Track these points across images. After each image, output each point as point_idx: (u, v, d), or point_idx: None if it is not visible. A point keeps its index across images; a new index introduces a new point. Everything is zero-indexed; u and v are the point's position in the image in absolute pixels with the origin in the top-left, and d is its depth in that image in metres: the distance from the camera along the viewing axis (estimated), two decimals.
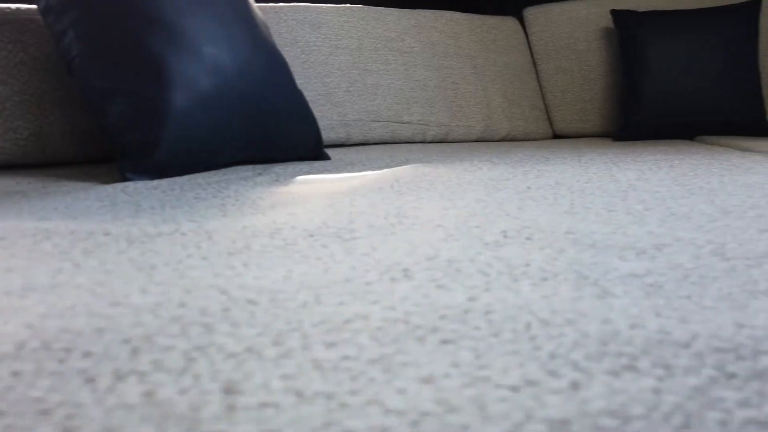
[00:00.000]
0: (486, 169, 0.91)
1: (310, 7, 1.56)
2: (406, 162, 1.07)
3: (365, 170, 0.95)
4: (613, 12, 1.74)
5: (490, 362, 0.30)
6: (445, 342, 0.32)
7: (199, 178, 0.89)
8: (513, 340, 0.32)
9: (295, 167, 0.99)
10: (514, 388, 0.28)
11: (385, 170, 0.92)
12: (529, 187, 0.71)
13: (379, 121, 1.54)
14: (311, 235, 0.54)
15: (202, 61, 0.94)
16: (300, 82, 1.43)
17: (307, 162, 1.07)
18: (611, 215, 0.57)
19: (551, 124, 1.87)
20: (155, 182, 0.85)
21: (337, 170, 0.96)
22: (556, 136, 1.88)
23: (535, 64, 1.87)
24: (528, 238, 0.51)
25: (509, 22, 1.87)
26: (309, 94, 1.43)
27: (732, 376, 0.29)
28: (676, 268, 0.44)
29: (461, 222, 0.57)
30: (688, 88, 1.59)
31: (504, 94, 1.76)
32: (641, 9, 1.75)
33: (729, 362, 0.30)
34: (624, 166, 0.92)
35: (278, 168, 0.97)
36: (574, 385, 0.28)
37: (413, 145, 1.49)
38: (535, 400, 0.27)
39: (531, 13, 1.88)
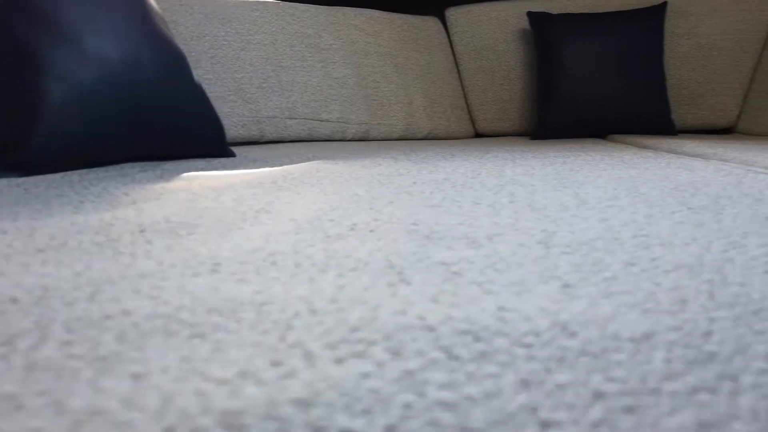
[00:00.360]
0: (385, 166, 0.89)
1: (218, 0, 1.49)
2: (313, 159, 1.04)
3: (266, 167, 0.91)
4: (529, 14, 1.76)
5: (221, 356, 0.28)
6: (192, 336, 0.30)
7: (75, 175, 0.84)
8: (265, 331, 0.31)
9: (190, 164, 0.95)
10: (223, 381, 0.26)
11: (280, 167, 0.89)
12: (414, 182, 0.70)
13: (294, 119, 1.51)
14: (142, 231, 0.52)
15: (82, 53, 0.89)
16: (207, 77, 1.36)
17: (208, 159, 1.03)
18: (472, 208, 0.56)
19: (473, 123, 1.88)
20: (23, 179, 0.79)
21: (237, 167, 0.92)
22: (479, 135, 1.90)
23: (457, 63, 1.87)
24: (371, 231, 0.49)
25: (431, 22, 1.86)
26: (218, 90, 1.37)
27: (455, 358, 0.28)
28: (491, 256, 0.43)
29: (318, 216, 0.55)
30: (601, 89, 1.61)
31: (425, 93, 1.76)
32: (556, 11, 1.78)
33: (462, 345, 0.28)
34: (520, 163, 0.92)
35: (169, 165, 0.93)
36: (288, 374, 0.26)
37: (331, 143, 1.45)
38: (230, 393, 0.25)
39: (453, 13, 1.89)
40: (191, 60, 1.37)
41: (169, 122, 1.07)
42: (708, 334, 0.30)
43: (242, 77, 1.43)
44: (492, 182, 0.71)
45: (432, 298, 0.35)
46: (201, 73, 1.35)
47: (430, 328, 0.31)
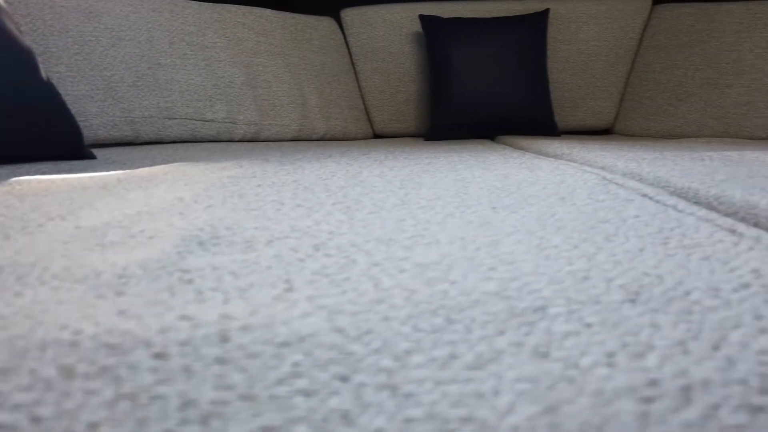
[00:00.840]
0: (245, 168, 0.81)
1: None
2: (180, 160, 0.94)
3: (122, 169, 0.83)
4: (421, 17, 1.63)
5: None
6: None
7: None
8: None
9: (34, 167, 0.84)
10: None
11: (130, 170, 0.81)
12: (259, 185, 0.64)
13: (174, 119, 1.30)
14: None
15: None
16: (71, 75, 1.17)
17: (62, 161, 0.92)
18: (289, 210, 0.51)
19: (371, 124, 1.74)
20: None
21: (88, 169, 0.83)
22: (377, 136, 1.75)
23: (353, 64, 1.73)
24: (150, 238, 0.43)
25: (326, 22, 1.70)
26: (84, 88, 1.20)
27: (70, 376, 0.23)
28: (248, 261, 0.37)
29: (110, 222, 0.48)
30: (490, 91, 1.54)
31: (321, 93, 1.60)
32: (447, 15, 1.67)
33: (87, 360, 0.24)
34: (388, 164, 0.87)
35: (5, 169, 0.81)
36: None
37: (216, 144, 1.31)
38: None
39: (348, 14, 1.73)
40: (51, 57, 1.17)
41: (13, 123, 0.86)
42: (368, 333, 0.26)
43: (112, 75, 1.24)
44: (339, 184, 0.65)
45: (120, 311, 0.29)
46: (63, 71, 1.18)
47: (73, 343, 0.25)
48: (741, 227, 0.43)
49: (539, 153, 1.15)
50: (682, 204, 0.52)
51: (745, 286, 0.31)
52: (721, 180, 0.62)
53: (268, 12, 1.59)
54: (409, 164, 0.87)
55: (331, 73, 1.68)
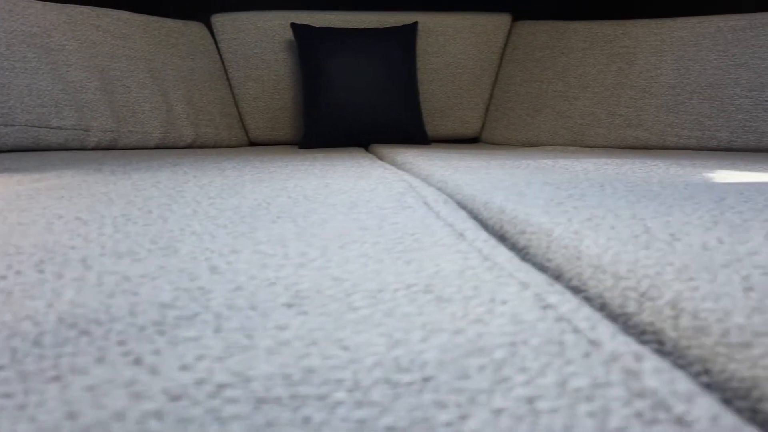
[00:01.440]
0: (65, 179, 0.75)
1: None
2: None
3: None
4: (293, 26, 1.61)
5: None
6: None
7: None
8: None
9: None
10: None
11: None
12: (61, 197, 0.61)
13: (13, 126, 1.21)
14: None
15: None
16: None
17: None
18: (48, 225, 0.48)
19: (246, 131, 1.70)
20: None
21: None
22: (253, 144, 1.72)
23: (226, 71, 1.69)
24: None
25: (195, 27, 1.65)
26: None
27: None
28: None
29: None
30: (362, 101, 1.56)
31: (189, 100, 1.54)
32: (318, 25, 1.67)
33: None
34: (228, 173, 0.84)
35: None
36: None
37: (63, 153, 1.23)
38: None
39: (219, 20, 1.68)
40: None
41: None
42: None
43: None
44: (149, 194, 0.62)
45: None
46: None
47: None
48: (470, 233, 0.47)
49: (392, 162, 1.19)
50: (446, 211, 0.56)
51: (408, 286, 0.34)
52: (504, 187, 0.67)
53: (126, 15, 1.53)
54: (246, 173, 0.87)
55: (201, 79, 1.64)
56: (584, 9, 1.80)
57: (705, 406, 0.20)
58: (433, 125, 1.79)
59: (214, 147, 1.64)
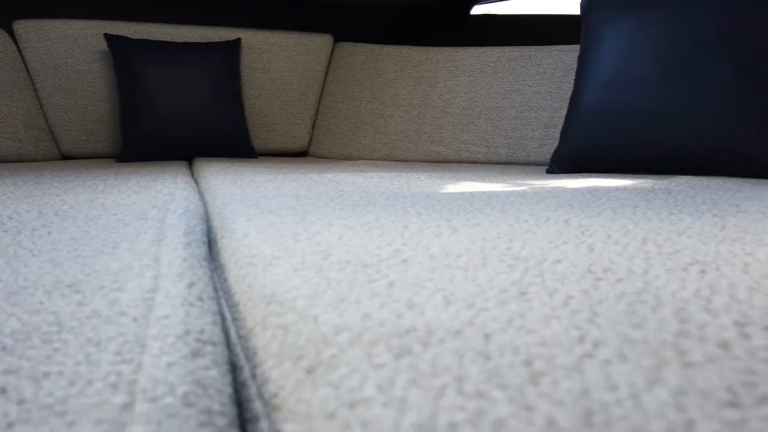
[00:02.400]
0: None
1: None
2: None
3: None
4: (107, 36, 1.56)
5: None
6: None
7: None
8: None
9: None
10: None
11: None
12: None
13: None
14: None
15: None
16: None
17: None
18: None
19: (57, 145, 1.62)
20: None
21: None
22: (65, 158, 1.63)
23: (32, 81, 1.60)
24: None
25: None
26: None
27: None
28: None
29: None
30: (183, 114, 1.55)
31: None
32: (136, 36, 1.63)
33: None
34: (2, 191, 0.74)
35: None
36: None
37: None
38: None
39: (22, 26, 1.58)
40: None
41: None
42: None
43: None
44: None
45: None
46: None
47: None
48: (171, 240, 0.53)
49: (198, 174, 1.22)
50: (174, 220, 0.61)
51: None
52: (254, 199, 0.74)
53: None
54: (22, 190, 0.85)
55: (2, 89, 1.54)
56: (396, 34, 1.99)
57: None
58: (261, 139, 1.85)
59: (17, 161, 1.55)
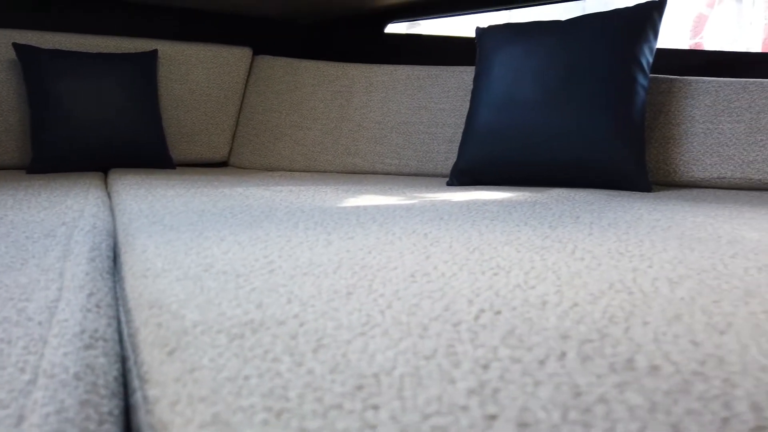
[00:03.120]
0: None
1: None
2: None
3: None
4: (15, 46, 1.58)
5: None
6: None
7: None
8: None
9: None
10: None
11: None
12: None
13: None
14: None
15: None
16: None
17: None
18: None
19: None
20: None
21: None
22: None
23: None
24: None
25: None
26: None
27: None
28: None
29: None
30: (98, 125, 1.59)
31: None
32: (47, 46, 1.66)
33: None
34: None
35: None
36: None
37: None
38: None
39: None
40: None
41: None
42: None
43: None
44: None
45: None
46: None
47: None
48: (77, 256, 0.62)
49: (113, 188, 1.28)
50: (81, 237, 0.70)
51: None
52: (158, 216, 0.83)
53: None
54: None
55: None
56: (313, 48, 2.10)
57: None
58: (180, 150, 1.91)
59: None
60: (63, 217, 0.82)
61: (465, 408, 0.27)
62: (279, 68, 1.95)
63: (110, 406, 0.32)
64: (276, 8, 1.98)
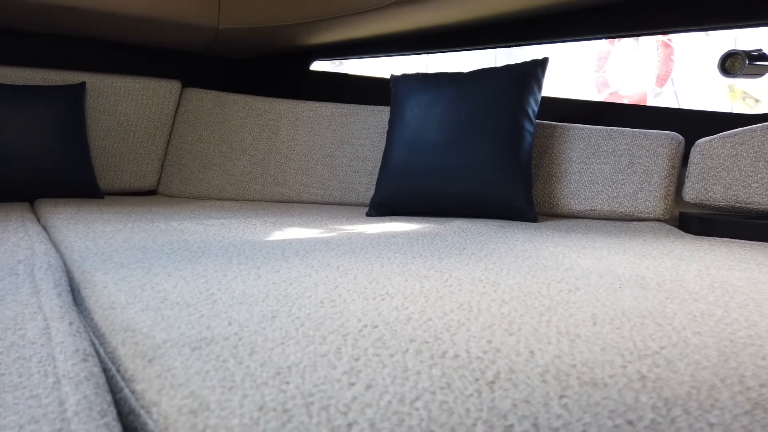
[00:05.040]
0: None
1: None
2: None
3: None
4: None
5: None
6: None
7: None
8: None
9: None
10: None
11: None
12: None
13: None
14: None
15: None
16: None
17: None
18: None
19: None
20: None
21: None
22: None
23: None
24: None
25: None
26: None
27: None
28: None
29: None
30: (21, 156, 1.71)
31: None
32: None
33: None
34: None
35: None
36: None
37: None
38: None
39: None
40: None
41: None
42: None
43: None
44: None
45: None
46: None
47: None
48: (47, 291, 0.78)
49: (44, 222, 1.41)
50: (42, 275, 0.86)
51: None
52: (107, 253, 1.00)
53: None
54: None
55: None
56: (241, 82, 2.30)
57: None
58: (108, 179, 2.03)
59: None
60: (16, 255, 0.97)
61: (339, 381, 0.48)
62: (208, 101, 2.13)
63: (111, 397, 0.51)
64: (205, 43, 2.17)
